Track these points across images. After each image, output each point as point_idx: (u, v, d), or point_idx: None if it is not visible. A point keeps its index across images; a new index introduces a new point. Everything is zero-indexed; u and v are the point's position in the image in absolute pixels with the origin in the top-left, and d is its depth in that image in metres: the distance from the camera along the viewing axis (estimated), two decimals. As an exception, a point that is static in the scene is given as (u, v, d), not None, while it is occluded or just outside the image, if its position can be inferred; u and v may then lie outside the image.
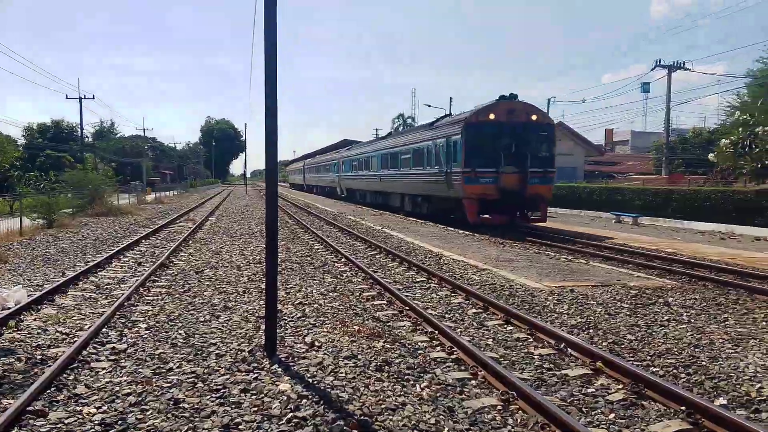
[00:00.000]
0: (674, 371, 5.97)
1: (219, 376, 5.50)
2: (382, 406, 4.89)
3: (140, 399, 4.98)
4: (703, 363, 6.17)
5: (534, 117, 20.06)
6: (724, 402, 5.18)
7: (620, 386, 5.51)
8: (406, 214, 27.01)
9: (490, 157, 19.49)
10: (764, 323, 7.90)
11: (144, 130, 76.80)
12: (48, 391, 5.18)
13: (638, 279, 11.00)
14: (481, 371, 5.88)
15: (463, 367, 6.08)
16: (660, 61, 41.37)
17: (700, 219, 22.68)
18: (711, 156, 22.98)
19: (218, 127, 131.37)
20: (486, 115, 19.82)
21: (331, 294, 9.43)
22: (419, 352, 6.56)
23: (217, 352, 6.27)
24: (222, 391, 5.15)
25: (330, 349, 6.34)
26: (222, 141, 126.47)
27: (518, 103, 20.35)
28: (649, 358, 6.40)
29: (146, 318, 7.83)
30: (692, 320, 7.98)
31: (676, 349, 6.63)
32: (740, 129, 19.37)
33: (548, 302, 9.02)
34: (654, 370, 6.02)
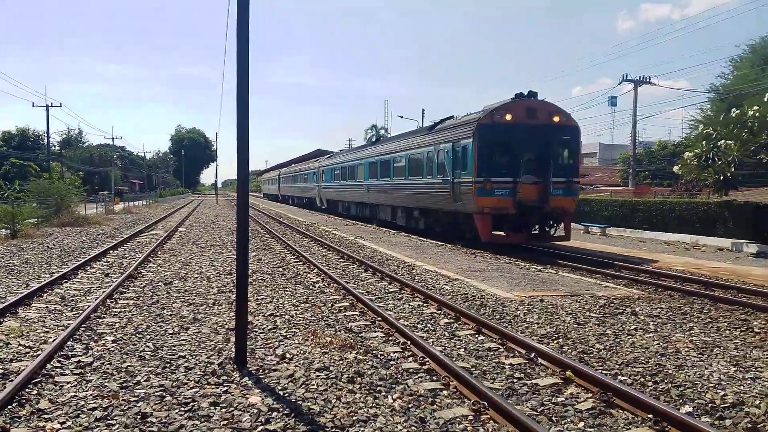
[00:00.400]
0: (642, 379, 6.07)
1: (188, 389, 5.41)
2: (354, 418, 4.87)
3: (106, 413, 4.86)
4: (670, 371, 6.29)
5: (556, 118, 17.24)
6: (690, 409, 5.28)
7: (589, 395, 5.58)
8: (398, 229, 24.64)
9: (506, 165, 16.82)
10: (727, 332, 8.10)
11: (113, 138, 75.71)
12: (9, 406, 5.03)
13: (606, 289, 11.18)
14: (452, 381, 5.89)
15: (435, 378, 6.09)
16: (627, 76, 42.40)
17: (666, 230, 23.20)
18: (676, 168, 23.54)
19: (189, 136, 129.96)
20: (502, 116, 16.91)
21: (303, 305, 9.37)
22: (391, 363, 6.55)
23: (186, 364, 6.17)
24: (191, 404, 5.07)
25: (301, 361, 6.30)
26: (193, 150, 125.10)
27: (539, 102, 17.62)
28: (617, 366, 6.50)
29: (113, 330, 7.66)
30: (659, 329, 8.14)
31: (643, 358, 6.75)
32: (703, 142, 19.89)
33: (519, 312, 9.10)
34: (622, 378, 6.11)
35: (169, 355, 6.53)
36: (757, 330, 8.18)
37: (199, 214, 40.09)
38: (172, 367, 6.07)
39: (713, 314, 9.15)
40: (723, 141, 18.81)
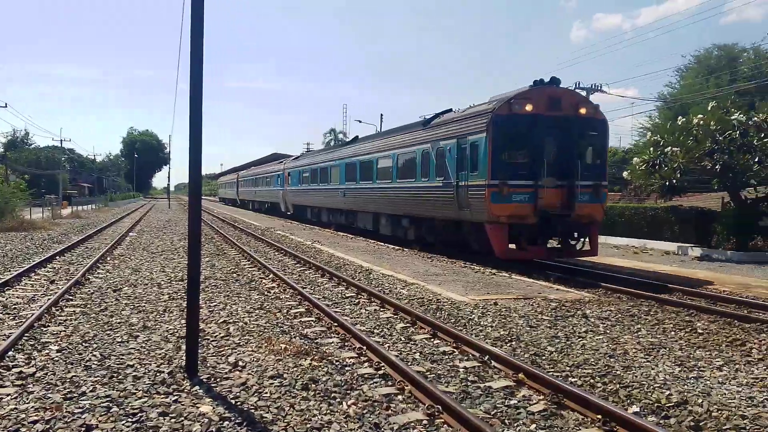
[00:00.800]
0: (591, 381, 6.20)
1: (136, 400, 5.26)
2: (308, 426, 4.82)
3: (48, 427, 4.67)
4: (618, 372, 6.45)
5: (583, 110, 14.89)
6: (637, 409, 5.42)
7: (541, 397, 5.67)
8: (385, 240, 21.69)
9: (525, 165, 14.40)
10: (673, 333, 8.37)
11: (61, 140, 72.92)
12: (-58, 422, 4.78)
13: (558, 292, 11.42)
14: (407, 386, 5.89)
15: (390, 383, 6.08)
16: (579, 84, 43.49)
17: (616, 234, 23.88)
18: (625, 174, 24.26)
19: (141, 139, 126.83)
20: (521, 106, 14.38)
21: (257, 311, 9.24)
22: (347, 368, 6.52)
23: (135, 374, 5.99)
24: (139, 415, 4.92)
25: (255, 369, 6.20)
26: (145, 153, 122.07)
27: (563, 90, 15.53)
28: (568, 368, 6.63)
29: (58, 339, 7.38)
30: (608, 331, 8.35)
31: (593, 360, 6.90)
32: (651, 149, 20.54)
33: (473, 315, 9.20)
34: (573, 380, 6.24)
35: (117, 364, 6.33)
36: (700, 331, 8.48)
37: (150, 218, 39.14)
38: (120, 377, 5.88)
39: (660, 316, 9.44)
40: (669, 148, 19.48)
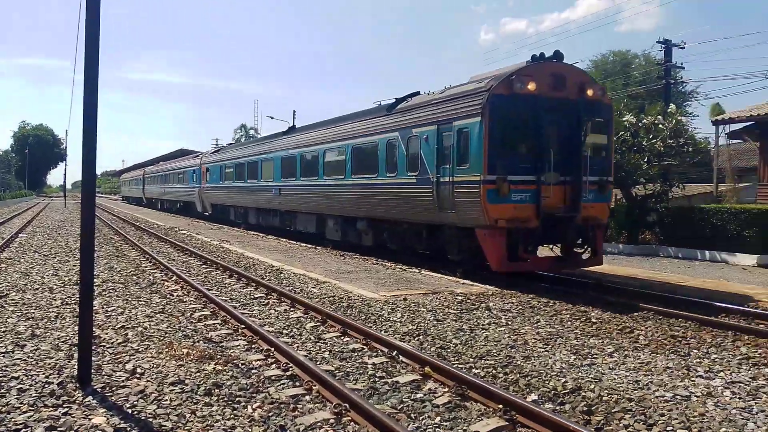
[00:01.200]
0: (494, 372, 6.42)
1: (20, 414, 4.87)
2: (210, 432, 4.66)
3: None
4: (519, 362, 6.72)
5: (590, 91, 12.62)
6: (535, 397, 5.67)
7: (446, 389, 5.81)
8: (341, 248, 18.32)
9: (527, 157, 12.13)
10: (569, 323, 8.83)
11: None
12: None
13: (464, 286, 11.75)
14: (315, 385, 5.85)
15: (298, 383, 6.01)
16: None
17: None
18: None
19: (35, 134, 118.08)
20: (524, 84, 11.87)
21: (158, 316, 8.84)
22: (253, 371, 6.37)
23: (20, 386, 5.55)
24: (23, 431, 4.57)
25: (154, 376, 5.93)
26: (39, 149, 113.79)
27: (567, 67, 12.87)
28: (472, 360, 6.83)
29: (-70, 353, 6.71)
30: (509, 323, 8.69)
31: (495, 351, 7.15)
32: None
33: (383, 311, 9.28)
34: (476, 371, 6.43)
35: (-1, 377, 5.84)
36: (594, 320, 9.00)
37: (44, 218, 36.54)
38: (2, 391, 5.43)
39: (557, 307, 9.93)
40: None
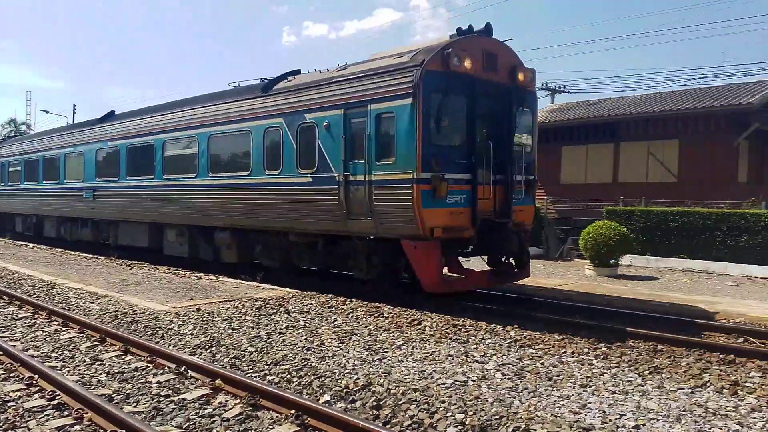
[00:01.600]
0: (288, 376, 6.33)
1: None
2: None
3: None
4: (314, 364, 6.72)
5: (521, 75, 10.81)
6: (328, 398, 5.70)
7: (237, 401, 5.58)
8: (170, 263, 15.55)
9: (462, 151, 10.09)
10: (364, 319, 9.10)
11: None
12: None
13: (264, 291, 11.52)
14: (88, 413, 5.23)
15: (66, 413, 5.32)
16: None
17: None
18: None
19: None
20: (461, 60, 9.77)
21: None
22: (10, 404, 5.50)
23: None
24: None
25: None
26: None
27: (498, 44, 10.82)
28: (267, 367, 6.67)
29: None
30: (307, 324, 8.69)
31: (291, 355, 7.07)
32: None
33: (173, 324, 8.68)
34: (270, 378, 6.29)
35: None
36: (386, 315, 9.39)
37: None
38: None
39: (353, 305, 10.17)
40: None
